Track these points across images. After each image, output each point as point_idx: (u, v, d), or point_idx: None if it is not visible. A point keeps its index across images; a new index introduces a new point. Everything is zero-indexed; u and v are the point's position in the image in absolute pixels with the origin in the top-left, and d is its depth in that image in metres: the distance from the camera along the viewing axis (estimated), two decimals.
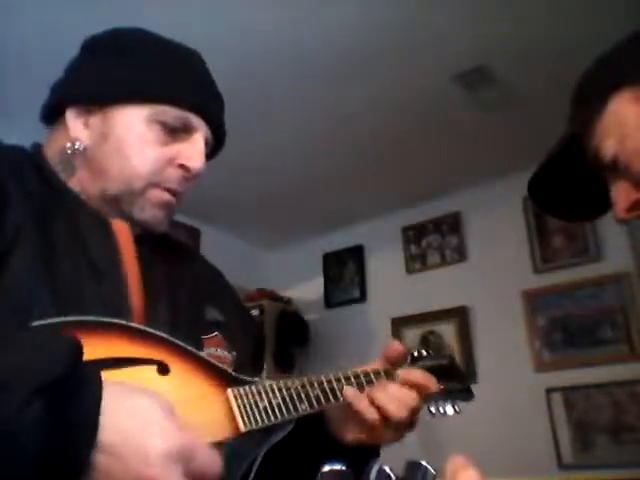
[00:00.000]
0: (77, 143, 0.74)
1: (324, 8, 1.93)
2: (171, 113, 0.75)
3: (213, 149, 0.85)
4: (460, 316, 3.06)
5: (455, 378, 0.89)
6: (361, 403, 0.73)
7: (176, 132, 0.76)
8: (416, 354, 0.87)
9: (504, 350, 2.86)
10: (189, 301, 0.76)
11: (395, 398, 0.74)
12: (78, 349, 0.49)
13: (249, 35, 2.03)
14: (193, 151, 0.76)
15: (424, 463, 0.34)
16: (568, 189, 0.84)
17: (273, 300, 3.51)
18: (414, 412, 0.75)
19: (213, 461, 0.52)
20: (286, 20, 1.97)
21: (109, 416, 0.47)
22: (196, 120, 0.77)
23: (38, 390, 0.44)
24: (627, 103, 0.72)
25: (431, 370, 0.84)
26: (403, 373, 0.78)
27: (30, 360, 0.46)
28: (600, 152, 0.74)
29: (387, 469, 0.33)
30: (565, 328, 2.77)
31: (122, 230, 0.74)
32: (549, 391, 2.71)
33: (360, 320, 3.39)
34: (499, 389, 2.77)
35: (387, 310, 3.30)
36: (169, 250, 0.82)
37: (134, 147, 0.74)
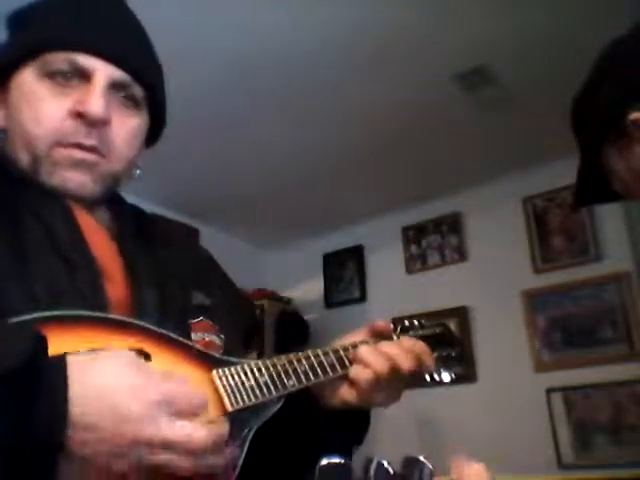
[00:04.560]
0: None
1: (324, 8, 1.93)
2: (55, 59, 0.67)
3: (154, 103, 0.76)
4: (460, 316, 3.06)
5: (449, 346, 0.88)
6: (371, 355, 0.73)
7: (71, 80, 0.68)
8: (407, 323, 0.86)
9: (504, 350, 2.86)
10: (174, 287, 0.73)
11: (404, 349, 0.74)
12: (40, 339, 0.48)
13: (248, 35, 2.02)
14: (87, 94, 0.67)
15: (422, 458, 0.34)
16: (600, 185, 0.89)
17: (273, 300, 3.51)
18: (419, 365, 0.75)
19: (193, 393, 0.53)
20: (285, 20, 1.97)
21: (77, 392, 0.47)
22: (87, 59, 0.67)
23: None
24: (614, 158, 0.79)
25: (424, 338, 0.83)
26: (402, 340, 0.78)
27: None
28: (612, 186, 0.82)
29: (385, 463, 0.33)
30: (565, 328, 2.77)
31: (83, 215, 0.69)
32: (549, 391, 2.71)
33: (360, 320, 3.35)
34: (499, 389, 2.77)
35: (387, 310, 3.29)
36: (153, 234, 0.79)
37: (26, 109, 0.67)
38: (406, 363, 0.73)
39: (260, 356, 0.83)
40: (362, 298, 3.51)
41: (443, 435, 2.83)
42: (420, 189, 3.20)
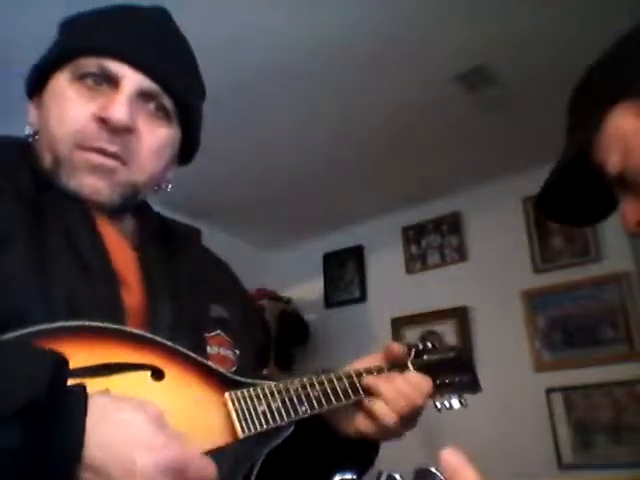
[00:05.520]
0: (26, 129, 0.72)
1: (324, 8, 1.92)
2: (86, 63, 0.68)
3: (185, 117, 0.76)
4: (460, 316, 3.06)
5: (462, 371, 0.87)
6: (389, 392, 0.73)
7: (100, 85, 0.68)
8: (420, 347, 0.85)
9: (504, 350, 2.86)
10: (192, 298, 0.73)
11: (416, 386, 0.75)
12: (62, 366, 0.47)
13: (248, 35, 2.02)
14: (112, 100, 0.67)
15: (434, 470, 0.33)
16: (572, 195, 0.83)
17: (273, 300, 3.51)
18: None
19: (207, 469, 0.51)
20: (286, 20, 1.97)
21: (95, 433, 0.46)
22: (117, 66, 0.68)
23: (16, 414, 0.43)
24: (627, 118, 0.72)
25: (436, 364, 0.82)
26: (412, 378, 0.77)
27: (8, 381, 0.44)
28: (605, 167, 0.74)
29: (397, 476, 0.32)
30: (565, 328, 2.77)
31: (105, 224, 0.68)
32: (549, 391, 2.71)
33: (360, 320, 3.38)
34: (499, 389, 2.77)
35: (387, 310, 3.30)
36: (173, 244, 0.79)
37: (54, 110, 0.68)
38: (421, 400, 0.74)
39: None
40: (362, 298, 3.51)
41: (443, 435, 2.83)
42: (420, 189, 3.20)
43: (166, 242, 0.78)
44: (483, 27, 2.03)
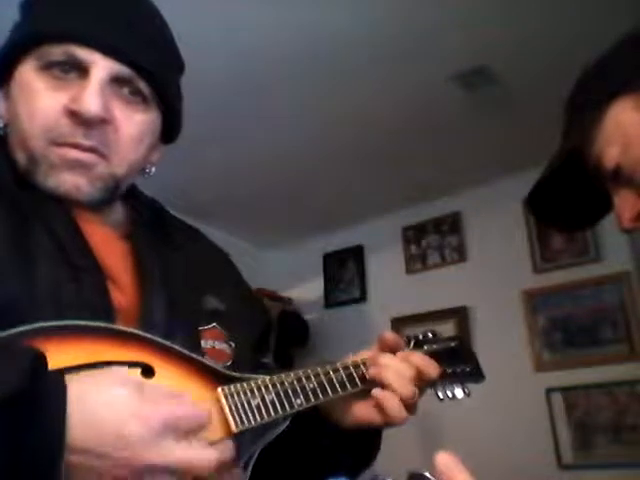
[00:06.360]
0: None
1: (322, 8, 1.93)
2: (51, 51, 0.63)
3: (163, 99, 0.71)
4: (460, 316, 3.05)
5: (464, 360, 0.85)
6: (399, 380, 0.71)
7: (69, 73, 0.63)
8: (421, 337, 0.83)
9: (504, 350, 2.86)
10: (187, 291, 0.70)
11: (419, 367, 0.74)
12: (39, 360, 0.46)
13: (246, 34, 2.02)
14: (82, 90, 0.62)
15: (427, 474, 0.33)
16: (564, 197, 0.83)
17: (273, 300, 3.51)
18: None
19: (197, 411, 0.52)
20: (284, 19, 1.97)
21: (78, 415, 0.45)
22: (85, 52, 0.63)
23: None
24: (628, 111, 0.71)
25: (437, 354, 0.80)
26: (402, 355, 0.76)
27: None
28: (602, 161, 0.73)
29: None
30: (565, 328, 2.77)
31: (88, 219, 0.66)
32: (549, 391, 2.71)
33: (360, 320, 3.38)
34: (499, 389, 2.77)
35: (387, 310, 3.30)
36: (166, 231, 0.77)
37: (22, 103, 0.63)
38: (433, 372, 0.74)
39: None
40: (362, 298, 3.51)
41: (443, 435, 2.83)
42: (420, 189, 3.20)
43: (160, 229, 0.76)
44: (483, 27, 2.03)
